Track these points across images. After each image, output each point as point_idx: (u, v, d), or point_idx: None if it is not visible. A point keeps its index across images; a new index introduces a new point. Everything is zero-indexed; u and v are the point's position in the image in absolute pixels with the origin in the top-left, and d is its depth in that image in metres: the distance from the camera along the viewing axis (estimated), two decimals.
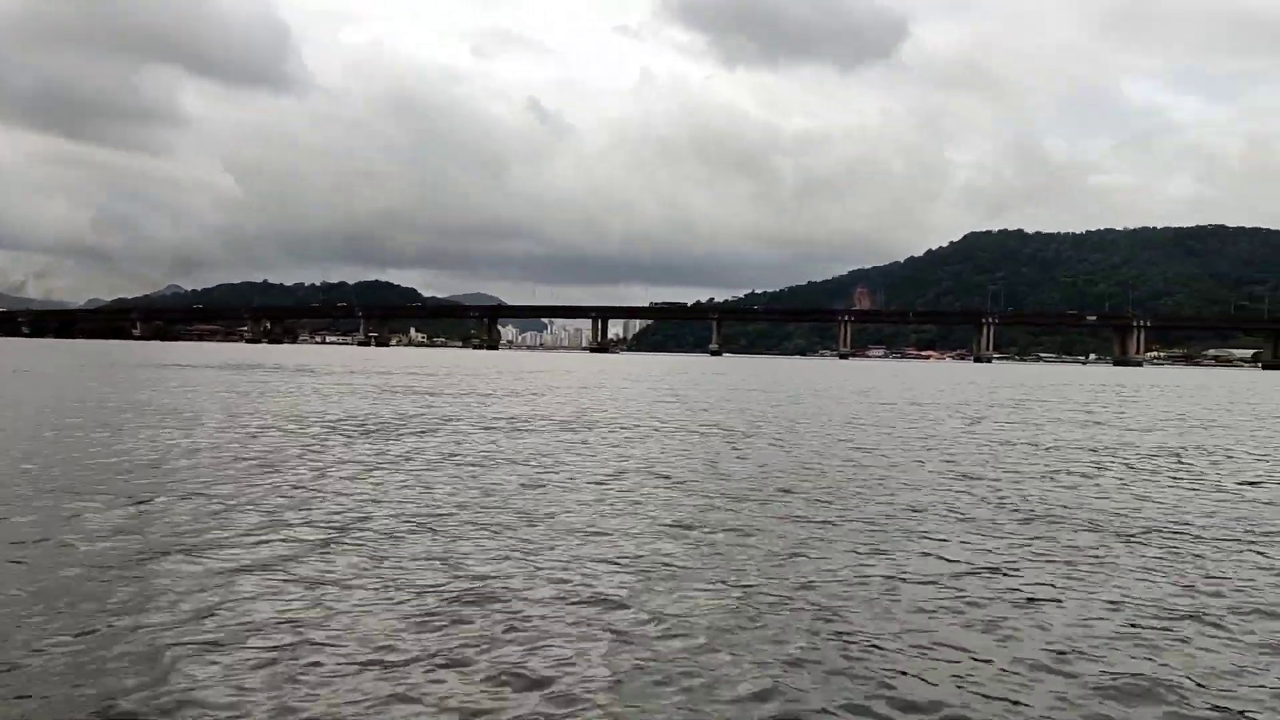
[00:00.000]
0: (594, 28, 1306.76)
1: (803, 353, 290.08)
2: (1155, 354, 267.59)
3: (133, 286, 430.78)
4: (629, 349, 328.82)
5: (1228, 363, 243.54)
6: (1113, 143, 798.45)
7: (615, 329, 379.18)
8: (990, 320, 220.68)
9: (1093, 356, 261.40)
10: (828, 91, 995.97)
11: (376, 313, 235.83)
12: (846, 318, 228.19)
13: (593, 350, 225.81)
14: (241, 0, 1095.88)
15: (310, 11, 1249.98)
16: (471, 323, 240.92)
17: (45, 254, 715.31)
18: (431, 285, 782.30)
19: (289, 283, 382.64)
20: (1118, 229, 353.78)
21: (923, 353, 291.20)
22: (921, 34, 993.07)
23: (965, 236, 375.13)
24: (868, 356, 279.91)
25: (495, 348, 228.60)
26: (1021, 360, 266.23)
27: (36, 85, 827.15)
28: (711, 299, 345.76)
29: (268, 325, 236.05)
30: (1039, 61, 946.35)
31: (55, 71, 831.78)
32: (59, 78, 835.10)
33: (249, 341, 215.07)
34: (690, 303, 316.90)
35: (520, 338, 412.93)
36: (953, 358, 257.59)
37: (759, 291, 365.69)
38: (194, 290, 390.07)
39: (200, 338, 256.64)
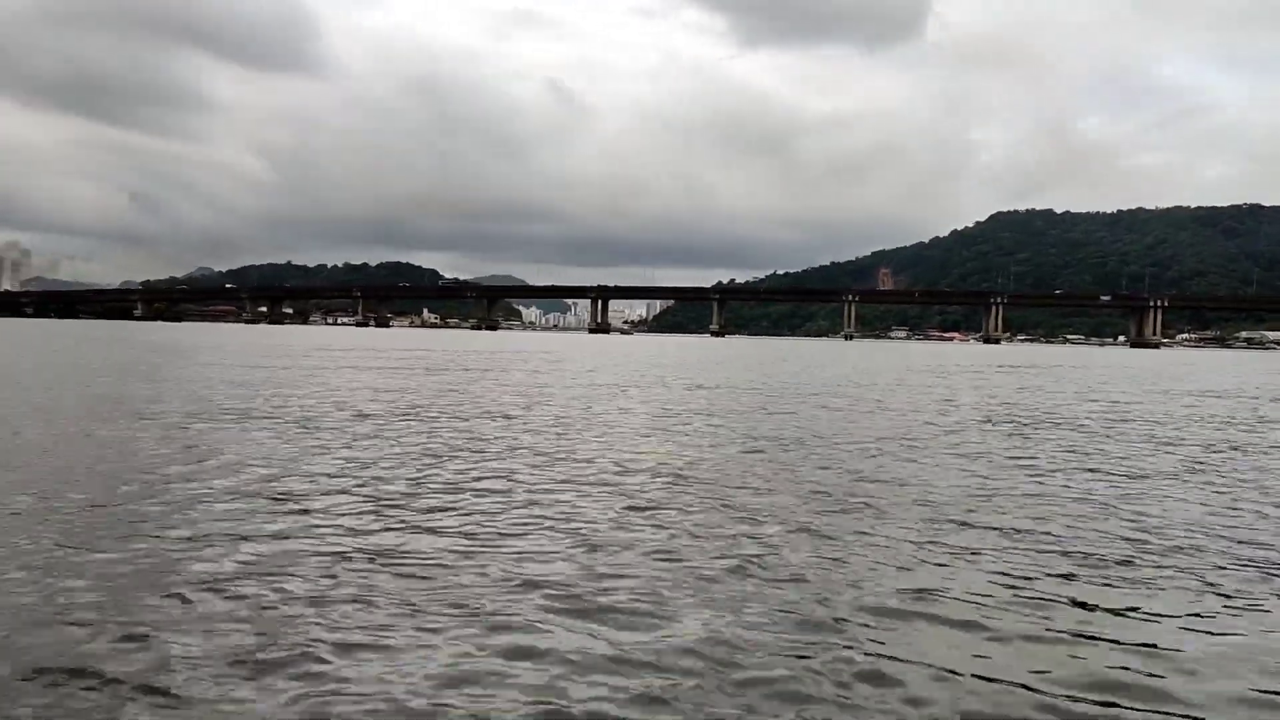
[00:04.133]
0: (612, 9, 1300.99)
1: (824, 334, 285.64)
2: (1187, 336, 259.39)
3: (165, 268, 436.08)
4: (649, 330, 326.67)
5: (1261, 345, 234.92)
6: (1146, 122, 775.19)
7: (639, 310, 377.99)
8: (998, 301, 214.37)
9: (1121, 339, 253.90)
10: (850, 72, 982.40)
11: (374, 294, 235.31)
12: (851, 298, 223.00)
13: (592, 331, 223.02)
14: None
15: None
16: (472, 304, 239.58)
17: (79, 236, 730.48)
18: (455, 267, 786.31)
19: (313, 264, 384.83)
20: (1150, 208, 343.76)
21: (946, 334, 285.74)
22: (947, 12, 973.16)
23: (991, 217, 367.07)
24: (889, 338, 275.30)
25: (495, 328, 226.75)
26: (1048, 342, 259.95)
27: (68, 70, 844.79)
28: (732, 280, 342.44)
29: (267, 306, 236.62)
30: (1071, 39, 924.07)
31: (85, 56, 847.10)
32: (89, 62, 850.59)
33: (248, 322, 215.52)
34: (711, 284, 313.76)
35: (545, 319, 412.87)
36: (976, 339, 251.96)
37: (780, 272, 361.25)
38: (222, 271, 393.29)
39: (217, 318, 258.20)
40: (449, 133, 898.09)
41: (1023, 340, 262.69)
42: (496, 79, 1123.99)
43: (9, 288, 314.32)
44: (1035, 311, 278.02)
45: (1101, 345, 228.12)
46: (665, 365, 44.42)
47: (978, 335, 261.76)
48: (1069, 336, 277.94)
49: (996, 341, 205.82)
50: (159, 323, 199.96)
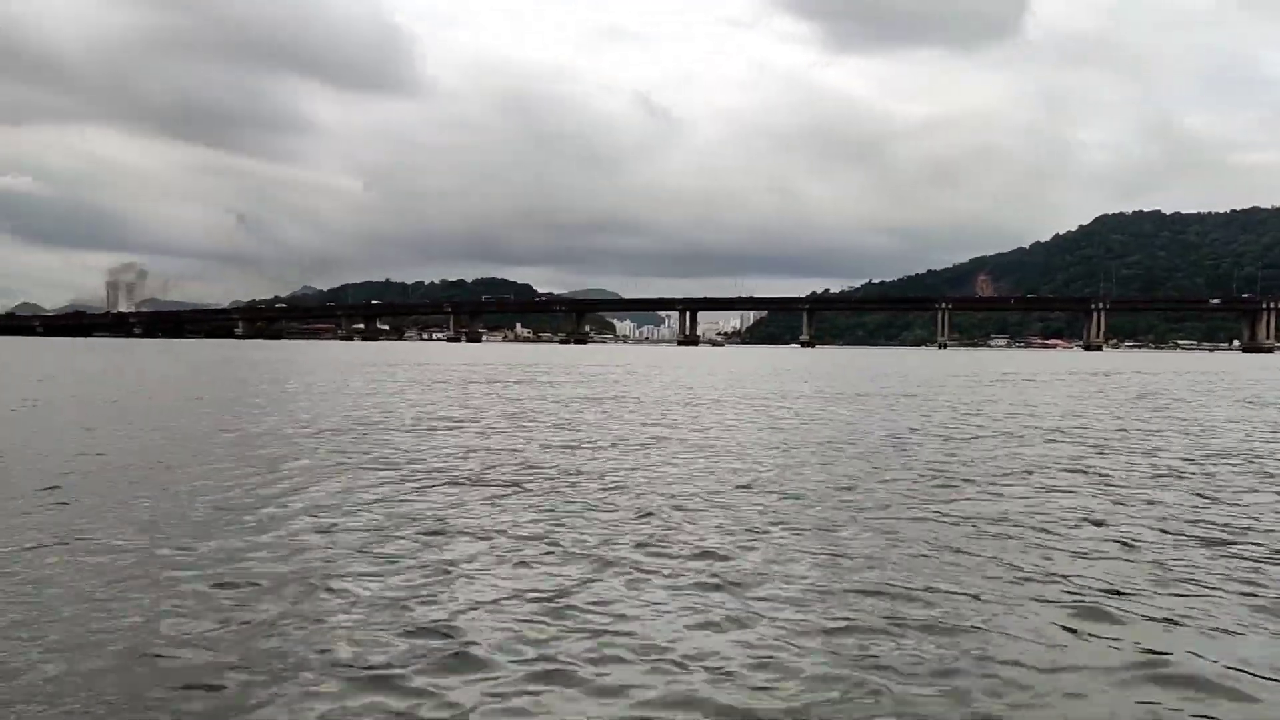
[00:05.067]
0: (701, 20, 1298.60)
1: (921, 343, 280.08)
2: None
3: (270, 288, 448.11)
4: (741, 341, 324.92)
5: None
6: (1257, 117, 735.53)
7: (733, 322, 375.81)
8: (1100, 306, 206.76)
9: (1235, 343, 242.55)
10: (945, 74, 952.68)
11: (465, 309, 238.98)
12: (944, 306, 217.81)
13: (680, 343, 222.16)
14: (360, 8, 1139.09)
15: (426, 16, 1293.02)
16: (562, 317, 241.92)
17: (188, 258, 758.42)
18: (551, 281, 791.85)
19: (410, 281, 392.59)
20: (1265, 207, 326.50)
21: (1048, 341, 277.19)
22: (1045, 9, 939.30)
23: (1095, 219, 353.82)
24: (989, 346, 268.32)
25: (584, 342, 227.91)
26: (1157, 348, 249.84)
27: (176, 98, 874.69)
28: (826, 290, 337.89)
29: (363, 323, 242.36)
30: (1176, 33, 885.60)
31: (192, 84, 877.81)
32: (196, 90, 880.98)
33: (343, 339, 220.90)
34: (805, 294, 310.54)
35: (638, 331, 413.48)
36: (1080, 346, 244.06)
37: (876, 281, 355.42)
38: (323, 290, 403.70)
39: (315, 335, 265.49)
40: (542, 148, 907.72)
41: (1130, 346, 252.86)
42: (588, 94, 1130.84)
43: (123, 308, 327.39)
44: (1144, 317, 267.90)
45: (1213, 350, 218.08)
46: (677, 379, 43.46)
47: (1080, 342, 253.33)
48: (1179, 342, 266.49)
49: (1098, 349, 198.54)
50: (258, 340, 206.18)
